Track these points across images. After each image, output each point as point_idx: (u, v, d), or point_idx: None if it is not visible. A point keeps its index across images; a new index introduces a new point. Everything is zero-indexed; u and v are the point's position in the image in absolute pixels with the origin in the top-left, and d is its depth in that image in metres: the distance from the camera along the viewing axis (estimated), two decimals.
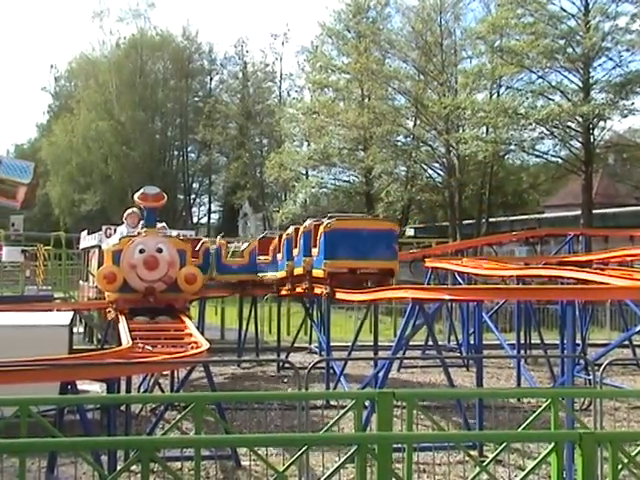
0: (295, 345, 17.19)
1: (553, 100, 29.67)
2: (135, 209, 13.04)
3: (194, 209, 56.17)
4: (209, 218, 56.68)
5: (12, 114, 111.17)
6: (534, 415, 5.43)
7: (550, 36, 28.56)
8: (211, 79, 54.20)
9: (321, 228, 12.15)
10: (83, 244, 22.86)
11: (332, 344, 13.65)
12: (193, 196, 54.84)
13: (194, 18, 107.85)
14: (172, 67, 51.35)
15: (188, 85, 51.81)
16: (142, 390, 11.45)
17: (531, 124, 29.40)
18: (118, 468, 6.64)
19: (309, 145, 40.24)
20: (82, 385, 8.89)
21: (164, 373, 11.81)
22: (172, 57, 51.02)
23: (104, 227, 18.34)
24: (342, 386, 12.24)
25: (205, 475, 8.16)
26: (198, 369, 10.18)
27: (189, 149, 53.53)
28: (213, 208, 57.09)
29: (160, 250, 10.99)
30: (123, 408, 8.78)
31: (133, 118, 47.10)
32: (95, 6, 75.07)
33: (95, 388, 10.49)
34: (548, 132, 30.20)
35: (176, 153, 53.69)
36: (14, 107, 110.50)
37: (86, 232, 22.36)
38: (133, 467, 4.70)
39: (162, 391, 11.77)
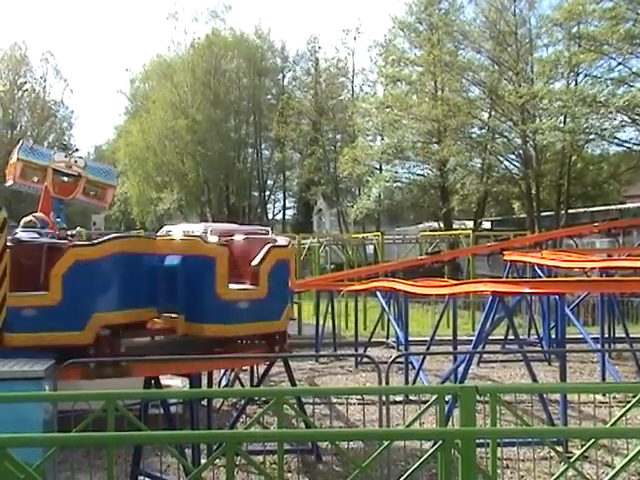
0: (372, 340, 17.17)
1: (635, 87, 28.75)
2: None
3: (269, 205, 56.62)
4: (284, 214, 57.12)
5: (92, 117, 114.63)
6: (624, 410, 5.27)
7: (631, 20, 27.68)
8: (284, 76, 54.47)
9: None
10: None
11: (409, 338, 13.61)
12: (268, 193, 55.20)
13: (266, 17, 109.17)
14: (245, 66, 51.69)
15: (261, 83, 52.12)
16: (223, 385, 11.60)
17: (611, 112, 28.53)
18: (202, 461, 6.74)
19: (382, 139, 40.00)
20: (164, 380, 9.06)
21: (244, 368, 11.95)
22: (245, 56, 51.36)
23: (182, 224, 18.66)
24: (421, 380, 12.16)
25: (286, 469, 8.20)
26: (277, 364, 10.26)
27: (263, 146, 53.88)
28: (288, 204, 57.49)
29: None
30: (204, 402, 8.90)
31: (208, 117, 47.60)
32: (169, 7, 75.92)
33: (177, 383, 10.65)
34: (630, 120, 29.26)
35: (250, 150, 54.06)
36: (93, 110, 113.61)
37: (166, 229, 22.78)
38: (216, 460, 4.75)
39: (242, 386, 11.90)
